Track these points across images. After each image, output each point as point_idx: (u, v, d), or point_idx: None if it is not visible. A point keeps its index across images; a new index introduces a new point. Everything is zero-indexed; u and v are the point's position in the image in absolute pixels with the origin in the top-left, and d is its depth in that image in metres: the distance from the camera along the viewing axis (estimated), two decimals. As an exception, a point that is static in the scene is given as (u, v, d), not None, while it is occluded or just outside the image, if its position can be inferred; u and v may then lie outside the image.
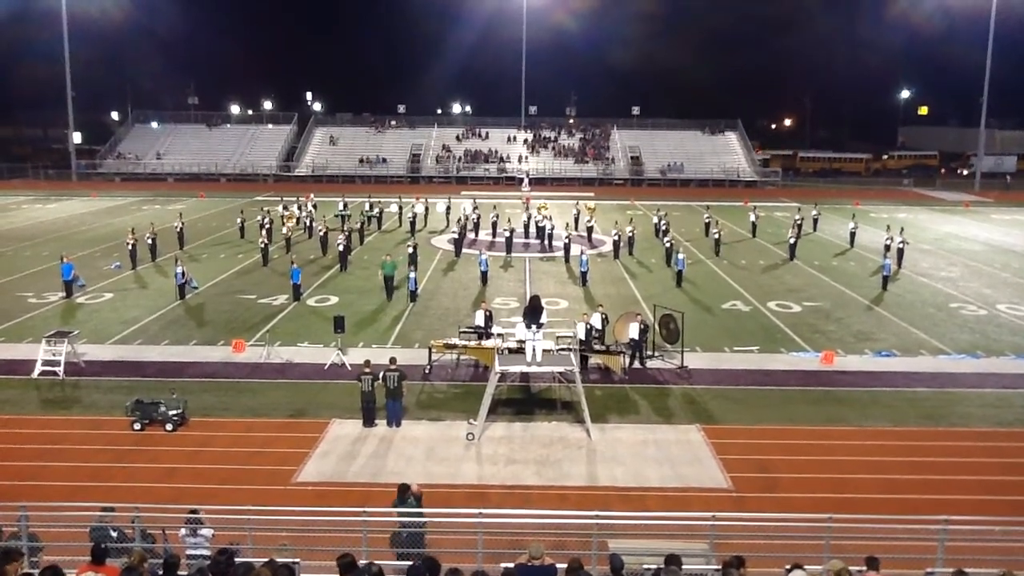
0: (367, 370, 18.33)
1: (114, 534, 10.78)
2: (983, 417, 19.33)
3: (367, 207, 48.67)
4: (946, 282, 34.27)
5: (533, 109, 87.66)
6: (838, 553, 10.00)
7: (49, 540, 11.08)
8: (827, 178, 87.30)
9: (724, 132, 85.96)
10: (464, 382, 21.38)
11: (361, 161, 79.87)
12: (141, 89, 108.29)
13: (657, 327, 23.82)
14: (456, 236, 40.52)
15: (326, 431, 17.93)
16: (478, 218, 45.48)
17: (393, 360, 18.84)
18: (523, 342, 18.58)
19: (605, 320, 22.96)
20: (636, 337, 22.38)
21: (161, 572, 9.02)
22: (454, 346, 21.72)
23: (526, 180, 67.86)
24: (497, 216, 44.70)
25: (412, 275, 29.95)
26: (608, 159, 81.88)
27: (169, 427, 17.76)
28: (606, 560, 9.84)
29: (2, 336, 24.95)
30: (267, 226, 39.91)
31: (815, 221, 48.52)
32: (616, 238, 39.46)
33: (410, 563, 9.03)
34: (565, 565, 9.17)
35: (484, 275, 32.77)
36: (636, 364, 22.47)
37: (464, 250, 39.64)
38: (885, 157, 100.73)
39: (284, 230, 40.60)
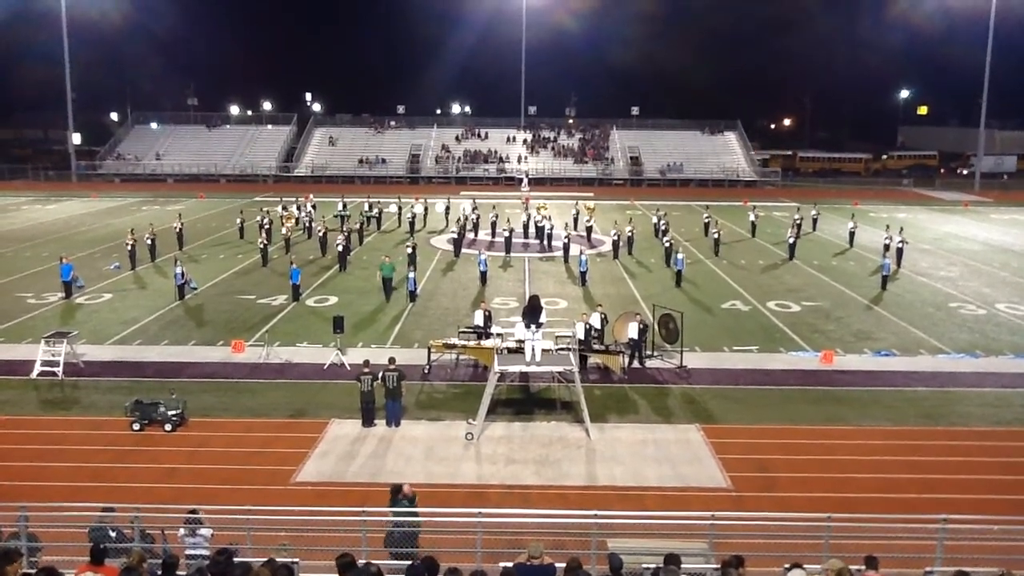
0: (366, 370, 18.35)
1: (113, 534, 10.78)
2: (982, 416, 19.34)
3: (366, 207, 48.67)
4: (945, 282, 34.28)
5: (532, 109, 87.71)
6: (837, 552, 10.00)
7: (48, 540, 11.09)
8: (826, 178, 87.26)
9: (723, 132, 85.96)
10: (463, 382, 21.38)
11: (360, 162, 79.86)
12: (141, 90, 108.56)
13: (656, 327, 23.82)
14: (455, 236, 40.52)
15: (325, 431, 17.93)
16: (477, 218, 45.49)
17: (392, 360, 18.84)
18: (522, 342, 18.60)
19: (604, 320, 22.96)
20: (635, 337, 22.39)
21: (160, 572, 9.02)
22: (453, 346, 21.72)
23: (525, 180, 67.83)
24: (496, 216, 44.70)
25: (411, 275, 29.95)
26: (607, 159, 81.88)
27: (168, 427, 17.76)
28: (605, 559, 9.85)
29: (1, 336, 24.95)
30: (266, 226, 39.93)
31: (814, 221, 48.53)
32: (615, 238, 39.46)
33: (409, 563, 9.04)
34: (564, 564, 9.18)
35: (483, 275, 32.78)
36: (635, 364, 22.47)
37: (463, 250, 39.65)
38: (885, 157, 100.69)
39: (283, 230, 40.59)
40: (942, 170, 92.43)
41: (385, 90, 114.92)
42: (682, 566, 9.19)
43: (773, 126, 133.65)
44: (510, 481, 15.71)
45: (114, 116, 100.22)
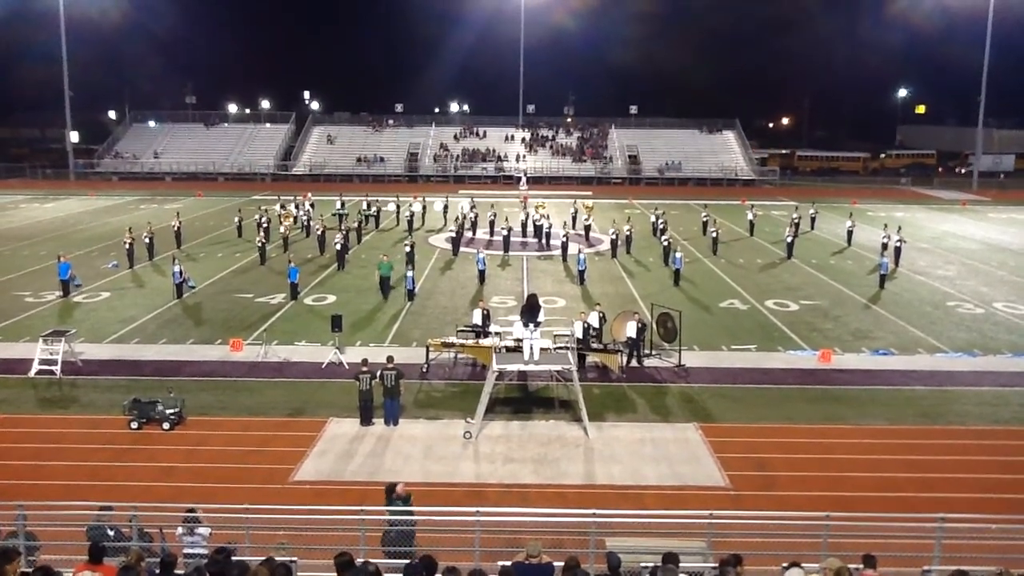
0: (365, 369, 18.35)
1: (111, 533, 10.77)
2: (980, 415, 19.36)
3: (365, 206, 48.65)
4: (943, 280, 34.31)
5: (531, 108, 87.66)
6: (835, 551, 10.00)
7: (47, 539, 11.07)
8: (825, 177, 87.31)
9: (722, 131, 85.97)
10: (462, 381, 21.37)
11: (359, 160, 79.80)
12: (139, 88, 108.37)
13: (655, 326, 23.81)
14: (454, 235, 40.51)
15: (323, 430, 17.92)
16: (476, 217, 45.49)
17: (390, 359, 18.84)
18: (521, 341, 18.59)
19: (603, 319, 22.97)
20: (634, 336, 22.39)
21: (158, 571, 9.01)
22: (452, 345, 21.71)
23: (524, 179, 67.84)
24: (495, 215, 44.67)
25: (410, 274, 29.92)
26: (606, 158, 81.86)
27: (166, 426, 17.74)
28: (603, 558, 9.85)
29: (-1, 335, 24.95)
30: (264, 225, 39.88)
31: (813, 220, 48.56)
32: (614, 237, 39.45)
33: (407, 562, 9.03)
34: (562, 563, 9.18)
35: (482, 274, 32.77)
36: (634, 363, 22.48)
37: (462, 249, 39.65)
38: (883, 156, 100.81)
39: (281, 229, 40.55)
40: (940, 169, 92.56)
41: (384, 89, 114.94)
42: (680, 565, 9.19)
43: (771, 125, 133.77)
44: (508, 480, 15.71)
45: (112, 114, 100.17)
